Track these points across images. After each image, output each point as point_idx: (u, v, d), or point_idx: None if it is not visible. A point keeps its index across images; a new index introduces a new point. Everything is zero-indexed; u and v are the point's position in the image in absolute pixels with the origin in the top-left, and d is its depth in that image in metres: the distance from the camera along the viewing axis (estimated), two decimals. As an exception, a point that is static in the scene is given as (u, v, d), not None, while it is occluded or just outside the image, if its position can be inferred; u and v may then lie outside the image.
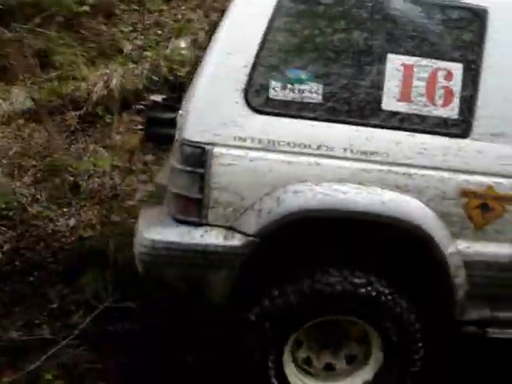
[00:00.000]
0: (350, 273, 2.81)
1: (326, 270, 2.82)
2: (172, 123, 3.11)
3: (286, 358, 2.91)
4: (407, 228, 2.81)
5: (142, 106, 3.65)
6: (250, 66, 2.76)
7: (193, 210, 2.80)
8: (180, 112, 3.02)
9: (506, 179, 2.90)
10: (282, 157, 2.77)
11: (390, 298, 2.84)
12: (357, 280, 2.80)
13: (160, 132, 3.35)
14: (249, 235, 2.77)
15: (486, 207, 2.90)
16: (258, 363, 2.85)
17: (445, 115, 2.88)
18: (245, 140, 2.77)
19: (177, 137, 2.90)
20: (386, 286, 2.84)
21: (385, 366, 2.98)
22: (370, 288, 2.81)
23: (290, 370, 2.95)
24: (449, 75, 2.88)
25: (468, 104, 2.87)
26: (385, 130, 2.84)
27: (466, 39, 2.90)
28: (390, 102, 2.84)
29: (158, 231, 2.81)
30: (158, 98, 3.47)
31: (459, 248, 2.89)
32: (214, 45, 2.83)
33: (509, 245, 2.94)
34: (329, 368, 3.02)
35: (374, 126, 2.83)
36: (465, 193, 2.87)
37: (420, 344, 2.92)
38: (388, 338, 2.91)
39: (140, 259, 2.86)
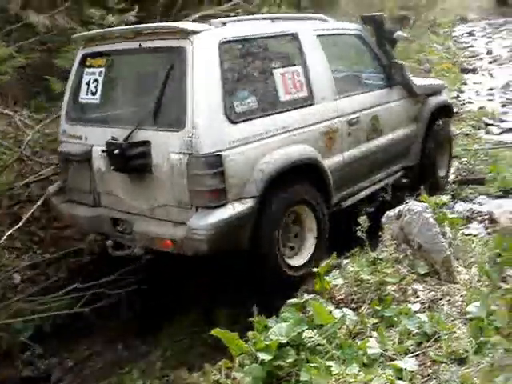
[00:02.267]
0: (305, 188, 4.93)
1: (295, 190, 4.82)
2: (143, 155, 4.50)
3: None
4: (311, 161, 4.97)
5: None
6: (221, 97, 4.39)
7: (220, 196, 4.34)
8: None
9: (333, 120, 5.28)
10: (253, 145, 4.53)
11: (318, 196, 5.02)
12: (305, 191, 4.93)
13: (136, 163, 4.52)
14: (254, 196, 4.47)
15: (331, 138, 5.26)
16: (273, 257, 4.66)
17: (303, 95, 5.06)
18: (234, 142, 4.41)
19: (182, 157, 4.32)
20: (315, 191, 5.00)
21: (318, 233, 5.04)
22: (309, 193, 4.96)
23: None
24: (297, 74, 5.05)
25: (308, 87, 5.09)
26: (286, 113, 4.85)
27: (295, 51, 5.14)
28: (282, 95, 4.88)
29: (210, 218, 4.26)
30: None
31: (326, 162, 5.12)
32: (195, 93, 4.29)
33: (322, 156, 5.12)
34: (291, 249, 4.96)
35: (281, 112, 4.83)
36: (323, 133, 5.17)
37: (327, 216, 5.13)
38: (317, 215, 5.02)
39: (207, 240, 4.22)
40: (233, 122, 4.43)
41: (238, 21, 5.10)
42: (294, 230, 5.00)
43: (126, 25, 6.37)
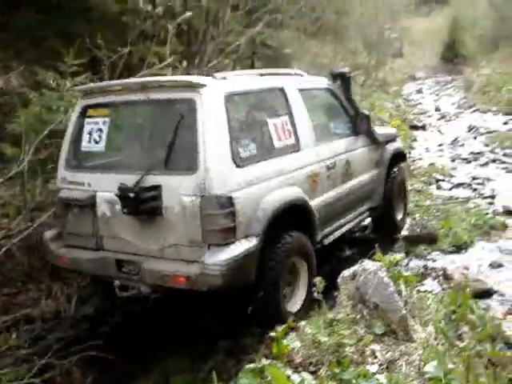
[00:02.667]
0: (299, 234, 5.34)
1: (290, 235, 5.20)
2: (155, 198, 4.79)
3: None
4: (300, 201, 5.41)
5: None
6: (229, 144, 4.80)
7: (231, 235, 4.70)
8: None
9: (315, 164, 5.86)
10: (256, 187, 4.95)
11: (308, 241, 5.50)
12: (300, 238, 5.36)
13: (148, 206, 4.79)
14: (258, 235, 4.85)
15: (314, 181, 5.81)
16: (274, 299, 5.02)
17: (291, 142, 5.61)
18: (241, 184, 4.81)
19: (194, 199, 4.65)
20: (305, 236, 5.45)
21: (308, 279, 5.39)
22: (303, 240, 5.41)
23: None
24: (286, 123, 5.61)
25: (295, 134, 5.66)
26: (279, 158, 5.37)
27: (283, 104, 5.72)
28: (275, 142, 5.41)
29: (222, 255, 4.59)
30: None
31: (311, 203, 5.58)
32: (206, 140, 4.66)
33: (308, 197, 5.55)
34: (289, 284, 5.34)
35: (276, 157, 5.34)
36: (308, 176, 5.72)
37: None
38: (309, 262, 5.45)
39: (221, 275, 4.54)
40: (239, 166, 4.84)
41: (235, 76, 5.59)
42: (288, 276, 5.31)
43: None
